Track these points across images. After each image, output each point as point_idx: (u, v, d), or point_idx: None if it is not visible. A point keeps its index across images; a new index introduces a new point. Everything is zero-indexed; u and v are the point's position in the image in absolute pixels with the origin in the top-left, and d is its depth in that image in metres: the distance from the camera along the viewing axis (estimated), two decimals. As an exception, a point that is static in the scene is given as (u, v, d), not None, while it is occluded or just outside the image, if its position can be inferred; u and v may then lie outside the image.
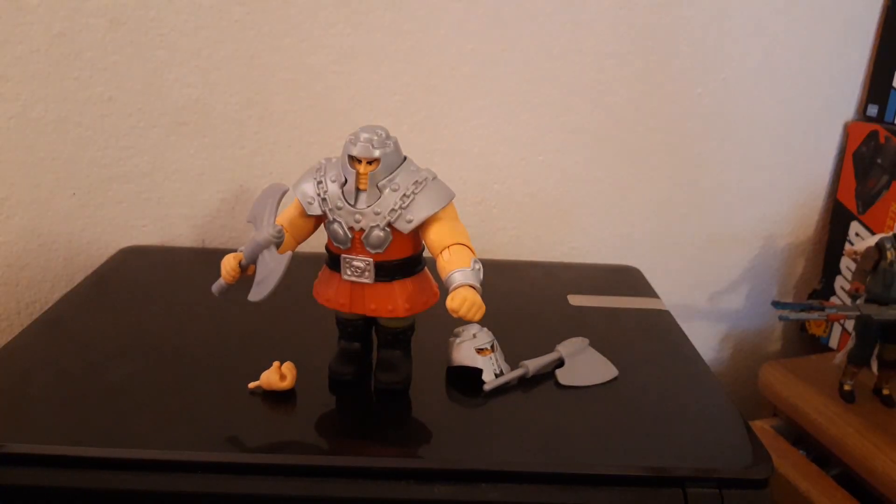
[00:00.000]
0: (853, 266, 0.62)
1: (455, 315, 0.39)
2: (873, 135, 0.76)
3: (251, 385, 0.44)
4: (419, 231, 0.42)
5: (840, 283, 0.81)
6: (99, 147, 0.69)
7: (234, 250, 0.44)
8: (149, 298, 0.59)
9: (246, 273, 0.43)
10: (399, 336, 0.46)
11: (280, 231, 0.42)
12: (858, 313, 0.58)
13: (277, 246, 0.42)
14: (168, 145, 0.70)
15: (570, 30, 0.71)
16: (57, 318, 0.55)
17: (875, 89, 0.78)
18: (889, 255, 0.59)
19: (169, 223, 0.73)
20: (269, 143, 0.71)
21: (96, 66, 0.66)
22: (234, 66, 0.68)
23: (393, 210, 0.41)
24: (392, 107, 0.71)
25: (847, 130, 0.80)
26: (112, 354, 0.49)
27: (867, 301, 0.59)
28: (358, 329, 0.46)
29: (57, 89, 0.66)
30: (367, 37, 0.68)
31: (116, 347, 0.50)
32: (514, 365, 0.48)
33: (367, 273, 0.43)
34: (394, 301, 0.43)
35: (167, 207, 0.72)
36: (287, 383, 0.44)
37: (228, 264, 0.43)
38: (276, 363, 0.45)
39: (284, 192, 0.43)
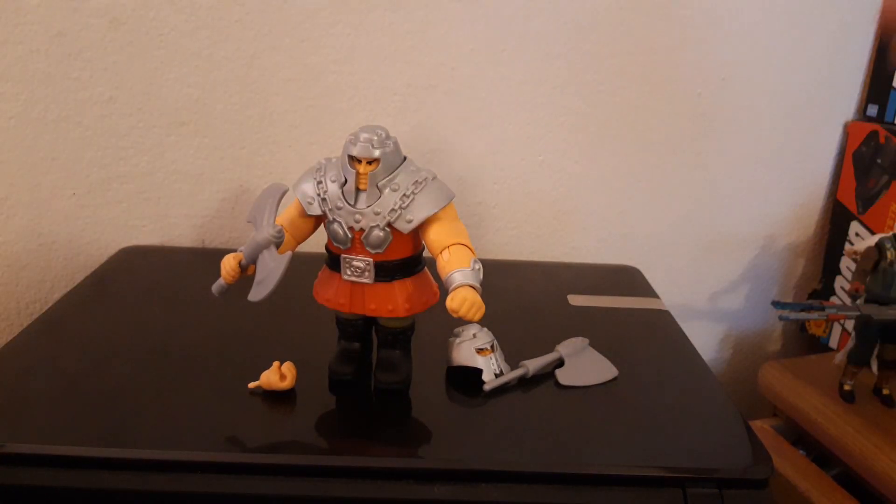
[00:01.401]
0: (853, 266, 0.62)
1: (455, 315, 0.39)
2: (873, 135, 0.76)
3: (251, 385, 0.44)
4: (419, 231, 0.42)
5: (840, 283, 0.81)
6: (99, 147, 0.69)
7: (235, 250, 0.44)
8: (149, 298, 0.59)
9: (246, 273, 0.43)
10: (399, 336, 0.46)
11: (280, 231, 0.42)
12: (858, 313, 0.58)
13: (277, 246, 0.42)
14: (168, 145, 0.70)
15: (570, 30, 0.71)
16: (57, 318, 0.55)
17: (875, 89, 0.78)
18: (889, 255, 0.59)
19: (169, 223, 0.73)
20: (269, 143, 0.71)
21: (96, 66, 0.66)
22: (234, 66, 0.68)
23: (393, 210, 0.41)
24: (392, 107, 0.71)
25: (847, 130, 0.80)
26: (112, 354, 0.49)
27: (867, 301, 0.59)
28: (358, 329, 0.46)
29: (57, 89, 0.66)
30: (367, 37, 0.68)
31: (116, 347, 0.50)
32: (514, 365, 0.48)
33: (366, 273, 0.42)
34: (394, 301, 0.43)
35: (167, 207, 0.72)
36: (287, 383, 0.44)
37: (228, 264, 0.43)
38: (275, 363, 0.45)
39: (284, 192, 0.43)
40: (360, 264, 0.42)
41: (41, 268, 0.72)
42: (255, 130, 0.70)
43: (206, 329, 0.54)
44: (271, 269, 0.41)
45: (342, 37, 0.68)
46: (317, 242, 0.47)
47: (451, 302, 0.39)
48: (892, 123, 0.76)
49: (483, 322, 0.49)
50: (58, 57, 0.65)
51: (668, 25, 0.72)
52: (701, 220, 0.81)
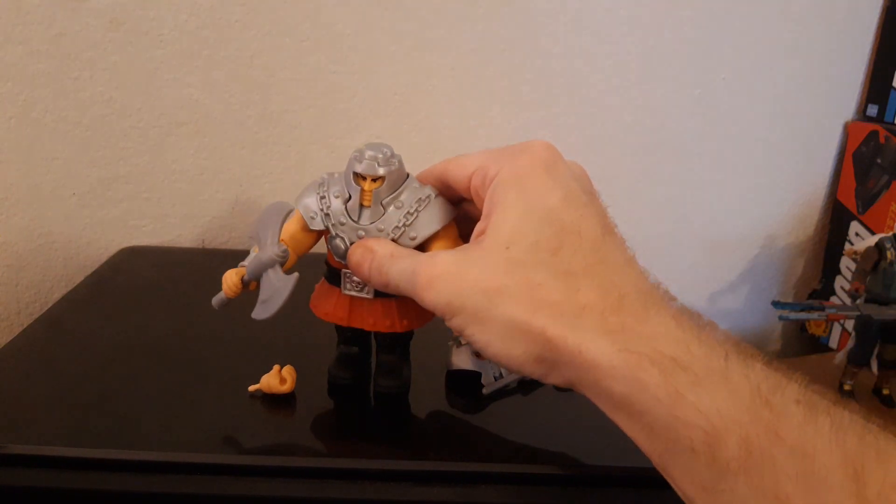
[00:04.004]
0: (853, 266, 0.62)
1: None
2: (873, 135, 0.76)
3: (251, 388, 0.44)
4: (422, 248, 0.42)
5: (840, 283, 0.81)
6: (99, 147, 0.69)
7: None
8: (149, 299, 0.59)
9: (248, 289, 0.43)
10: (398, 341, 0.46)
11: (285, 251, 0.41)
12: (858, 313, 0.58)
13: (282, 265, 0.42)
14: (168, 145, 0.70)
15: (570, 30, 0.71)
16: (57, 318, 0.55)
17: (875, 89, 0.78)
18: (889, 254, 0.59)
19: (169, 223, 0.73)
20: (269, 143, 0.71)
21: (96, 66, 0.66)
22: (234, 66, 0.68)
23: (396, 227, 0.41)
24: (392, 107, 0.71)
25: (847, 130, 0.80)
26: (112, 355, 0.49)
27: (867, 301, 0.59)
28: (357, 334, 0.46)
29: (57, 89, 0.66)
30: (367, 37, 0.68)
31: (116, 348, 0.50)
32: (513, 366, 0.48)
33: (366, 288, 0.42)
34: (392, 317, 0.43)
35: (167, 207, 0.72)
36: (287, 387, 0.44)
37: (230, 279, 0.42)
38: (276, 366, 0.45)
39: (289, 212, 0.43)
40: (360, 279, 0.42)
41: (41, 268, 0.72)
42: (255, 130, 0.70)
43: (206, 330, 0.54)
44: (277, 289, 0.41)
45: (342, 37, 0.68)
46: (318, 244, 0.47)
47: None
48: (892, 123, 0.76)
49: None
50: (58, 57, 0.65)
51: (668, 25, 0.72)
52: (701, 220, 0.81)
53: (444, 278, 0.35)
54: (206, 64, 0.67)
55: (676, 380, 0.29)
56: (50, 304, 0.58)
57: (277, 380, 0.44)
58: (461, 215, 0.42)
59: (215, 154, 0.71)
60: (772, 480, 0.26)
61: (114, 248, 0.71)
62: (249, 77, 0.68)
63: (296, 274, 0.41)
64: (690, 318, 0.32)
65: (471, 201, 0.41)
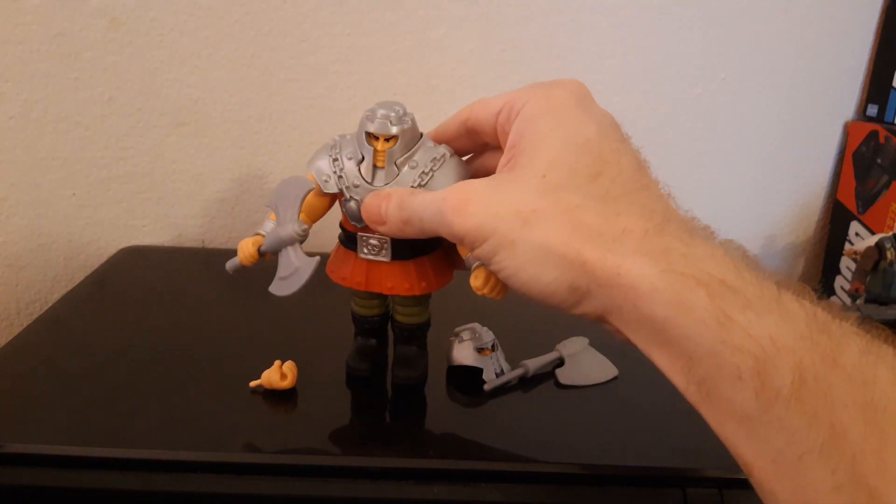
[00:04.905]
0: (853, 266, 0.62)
1: (479, 293, 0.38)
2: (873, 135, 0.76)
3: (252, 384, 0.44)
4: None
5: (840, 283, 0.81)
6: (99, 147, 0.69)
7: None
8: (149, 298, 0.59)
9: (264, 258, 0.42)
10: (415, 332, 0.45)
11: (305, 230, 0.41)
12: (858, 313, 0.58)
13: (301, 244, 0.41)
14: (168, 145, 0.70)
15: (570, 30, 0.71)
16: (57, 318, 0.55)
17: (875, 89, 0.78)
18: (889, 255, 0.59)
19: (169, 223, 0.73)
20: (269, 143, 0.71)
21: (96, 66, 0.66)
22: (234, 66, 0.68)
23: (411, 188, 0.40)
24: (392, 107, 0.71)
25: (847, 130, 0.80)
26: (112, 354, 0.49)
27: (867, 301, 0.59)
28: (374, 325, 0.46)
29: (57, 89, 0.66)
30: (367, 37, 0.68)
31: (116, 347, 0.50)
32: (514, 364, 0.48)
33: (383, 251, 0.42)
34: (410, 279, 0.42)
35: (167, 207, 0.72)
36: (287, 382, 0.44)
37: (248, 249, 0.42)
38: (277, 362, 0.45)
39: (310, 190, 0.42)
40: (377, 242, 0.41)
41: (41, 268, 0.72)
42: (255, 130, 0.70)
43: (206, 328, 0.54)
44: (297, 269, 0.40)
45: (342, 37, 0.68)
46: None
47: (475, 280, 0.38)
48: (892, 123, 0.76)
49: (483, 322, 0.49)
50: (58, 57, 0.65)
51: (669, 25, 0.72)
52: (701, 220, 0.81)
53: (476, 202, 0.33)
54: (206, 64, 0.67)
55: (725, 302, 0.27)
56: (50, 304, 0.58)
57: (278, 375, 0.44)
58: (482, 169, 0.41)
59: (215, 154, 0.71)
60: (827, 409, 0.24)
61: (114, 248, 0.71)
62: (249, 77, 0.68)
63: (317, 257, 0.40)
64: (737, 249, 0.31)
65: (493, 149, 0.39)
